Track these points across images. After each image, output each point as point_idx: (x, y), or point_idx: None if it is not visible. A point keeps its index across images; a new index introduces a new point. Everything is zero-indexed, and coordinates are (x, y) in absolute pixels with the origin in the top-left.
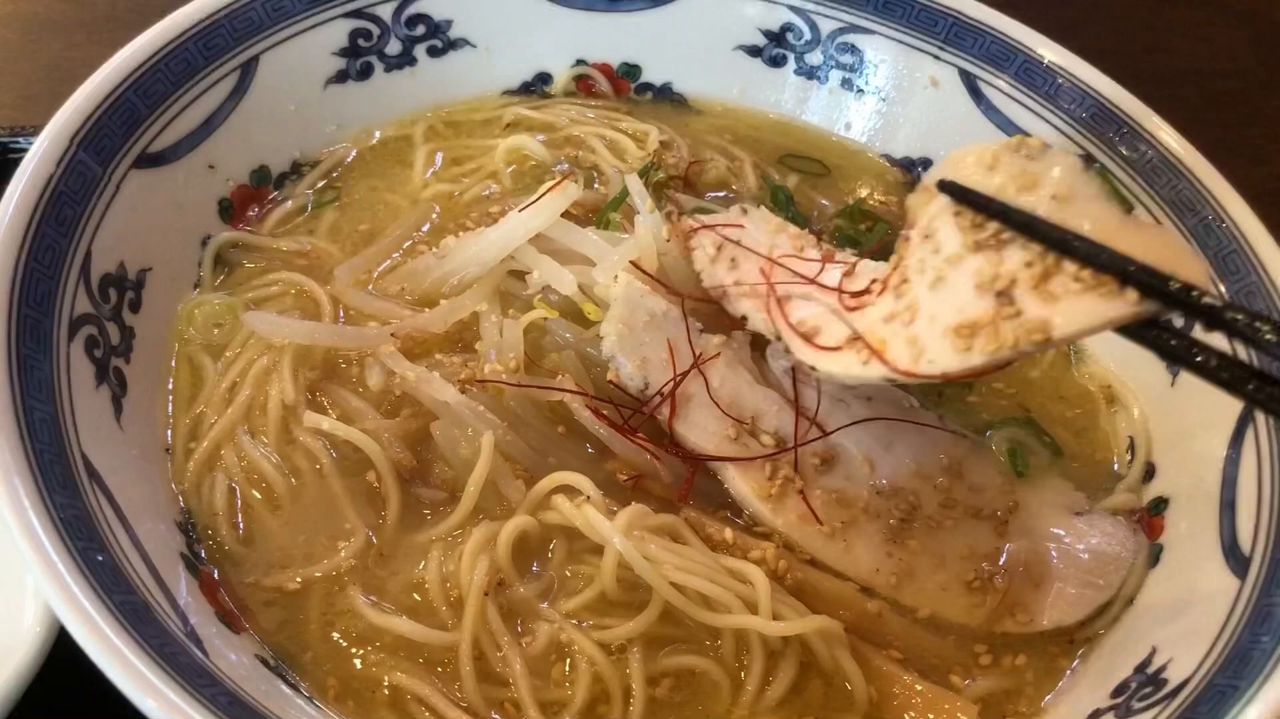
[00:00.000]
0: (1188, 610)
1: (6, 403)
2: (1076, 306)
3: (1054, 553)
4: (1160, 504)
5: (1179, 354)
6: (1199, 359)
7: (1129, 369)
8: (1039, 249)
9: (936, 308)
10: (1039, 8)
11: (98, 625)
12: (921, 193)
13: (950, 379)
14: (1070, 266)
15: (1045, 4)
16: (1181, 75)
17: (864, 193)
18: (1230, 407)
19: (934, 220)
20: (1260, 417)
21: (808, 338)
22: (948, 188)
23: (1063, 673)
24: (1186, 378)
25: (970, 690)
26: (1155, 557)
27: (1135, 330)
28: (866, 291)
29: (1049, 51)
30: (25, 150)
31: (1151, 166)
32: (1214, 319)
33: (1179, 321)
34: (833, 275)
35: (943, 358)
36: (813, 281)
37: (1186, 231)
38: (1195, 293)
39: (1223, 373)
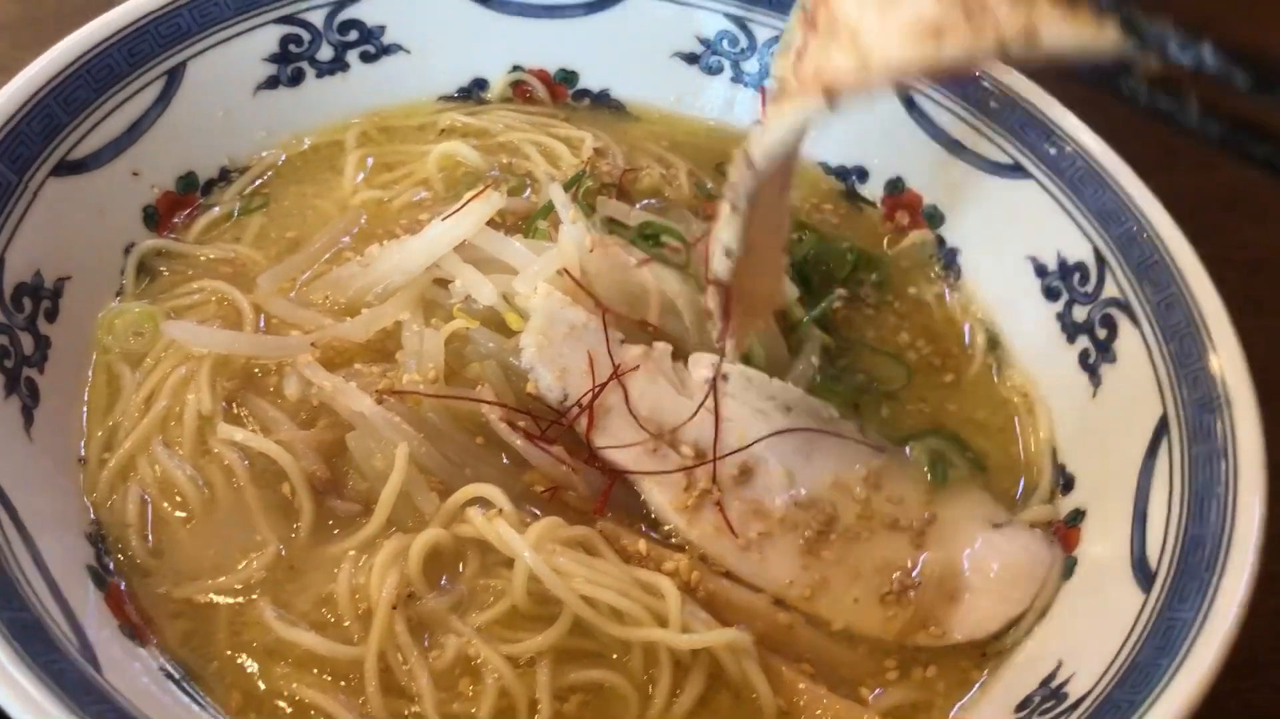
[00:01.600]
0: (1095, 624)
1: None
2: (1060, 27)
3: (969, 566)
4: (1077, 516)
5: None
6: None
7: (1050, 379)
8: None
9: (886, 19)
10: None
11: None
12: None
13: (909, 80)
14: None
15: None
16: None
17: (797, 201)
18: (1148, 418)
19: None
20: (1175, 430)
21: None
22: None
23: (972, 685)
24: (1108, 388)
25: (879, 702)
26: (1069, 569)
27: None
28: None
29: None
30: None
31: (1078, 176)
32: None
33: None
34: None
35: (902, 51)
36: None
37: (1111, 241)
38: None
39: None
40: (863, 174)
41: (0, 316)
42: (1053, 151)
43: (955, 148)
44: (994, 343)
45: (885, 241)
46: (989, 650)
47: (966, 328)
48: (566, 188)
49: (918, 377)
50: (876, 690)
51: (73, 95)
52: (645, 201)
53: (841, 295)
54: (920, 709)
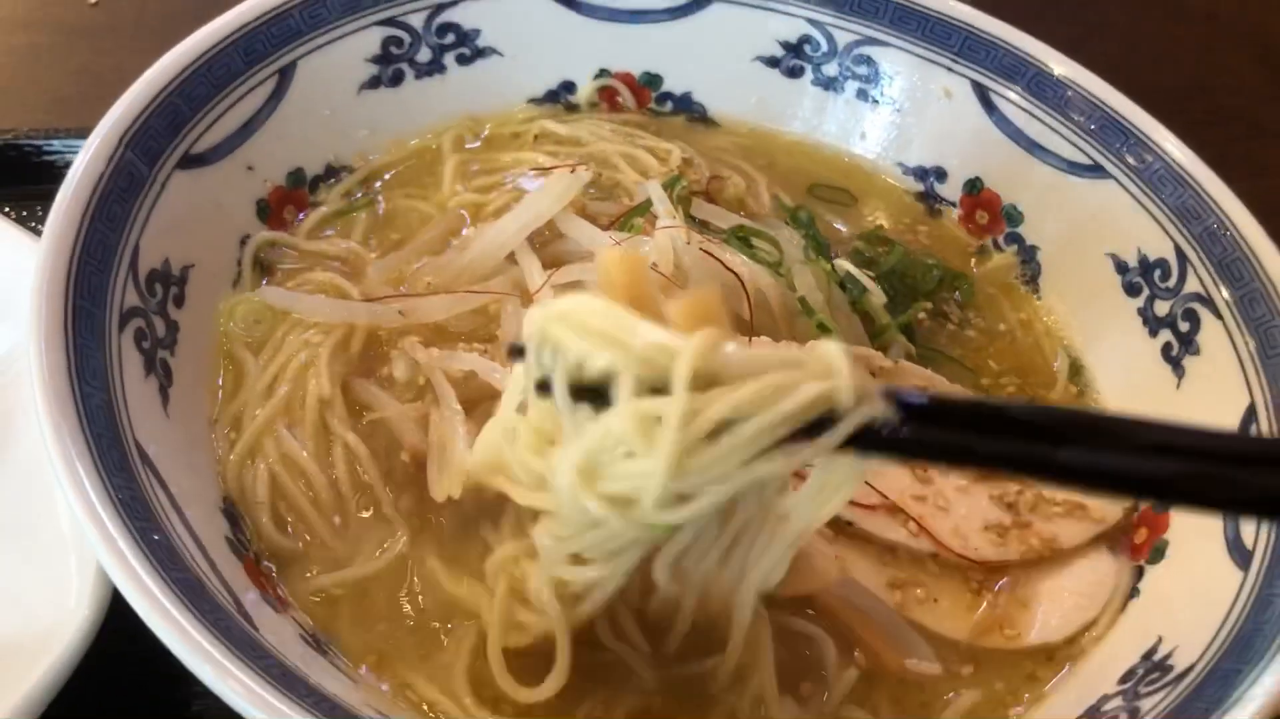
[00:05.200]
0: (1193, 602)
1: (66, 390)
2: (1069, 527)
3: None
4: None
5: None
6: None
7: (1134, 381)
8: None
9: (967, 507)
10: (1049, 22)
11: (159, 601)
12: None
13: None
14: (1045, 493)
15: (1055, 18)
16: (1186, 89)
17: (880, 217)
18: (1235, 407)
19: None
20: (1264, 416)
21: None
22: None
23: (1043, 684)
24: (1192, 379)
25: (956, 705)
26: (1160, 552)
27: None
28: None
29: (1059, 65)
30: (58, 153)
31: (1158, 176)
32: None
33: None
34: None
35: (986, 549)
36: None
37: (1192, 238)
38: None
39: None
40: (941, 174)
41: (137, 300)
42: (1132, 152)
43: (1034, 148)
44: (1077, 369)
45: (972, 263)
46: (1057, 655)
47: (1053, 352)
48: (664, 188)
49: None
50: (950, 694)
51: (195, 92)
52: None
53: (925, 308)
54: (993, 705)
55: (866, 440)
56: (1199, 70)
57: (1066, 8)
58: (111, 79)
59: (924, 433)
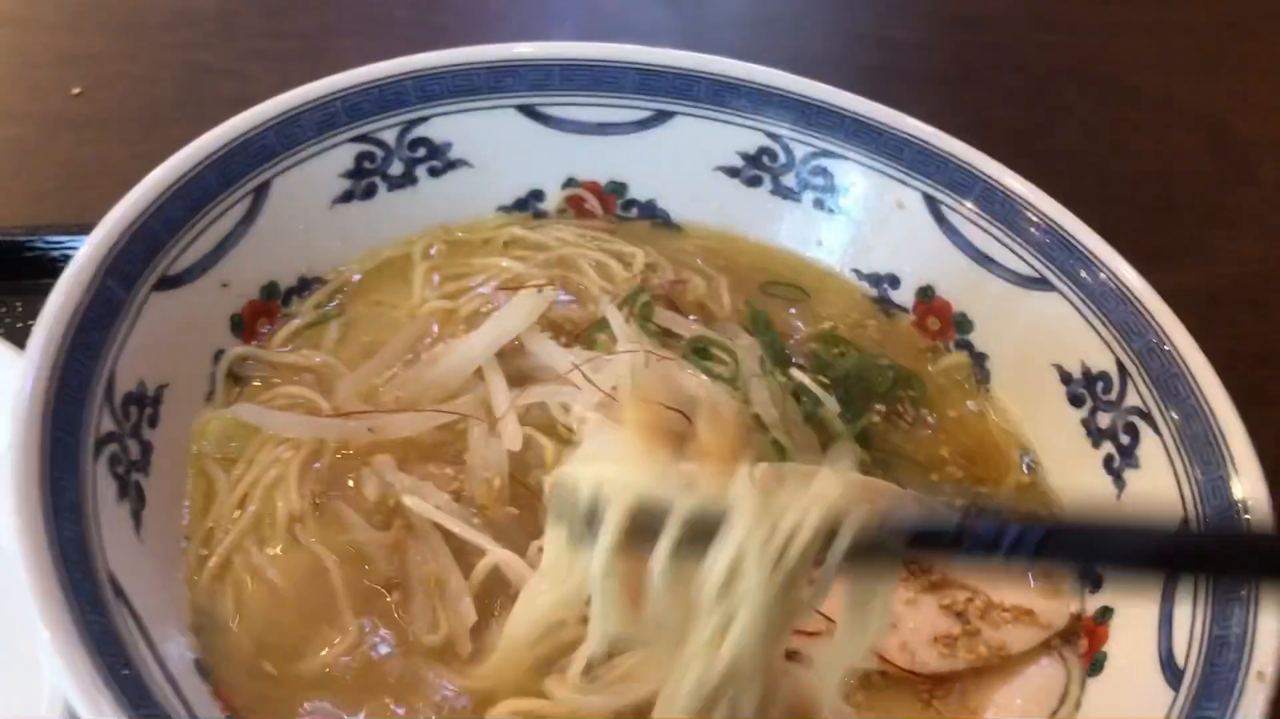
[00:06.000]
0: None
1: (40, 526)
2: (1018, 633)
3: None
4: (1106, 613)
5: None
6: None
7: (1076, 481)
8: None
9: (915, 621)
10: (1009, 107)
11: None
12: None
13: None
14: (994, 600)
15: (1016, 105)
16: (1141, 176)
17: (834, 314)
18: (1172, 517)
19: None
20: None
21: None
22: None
23: None
24: (1132, 491)
25: None
26: (1100, 664)
27: None
28: None
29: (1008, 179)
30: (41, 249)
31: (1101, 291)
32: None
33: None
34: None
35: (933, 662)
36: None
37: (1132, 353)
38: None
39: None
40: (895, 281)
41: (113, 425)
42: (1076, 266)
43: (983, 259)
44: (1033, 465)
45: (927, 359)
46: None
47: (1007, 443)
48: (620, 305)
49: (953, 491)
50: None
51: (172, 215)
52: (691, 317)
53: (879, 411)
54: None
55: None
56: (1154, 157)
57: (1025, 95)
58: (95, 170)
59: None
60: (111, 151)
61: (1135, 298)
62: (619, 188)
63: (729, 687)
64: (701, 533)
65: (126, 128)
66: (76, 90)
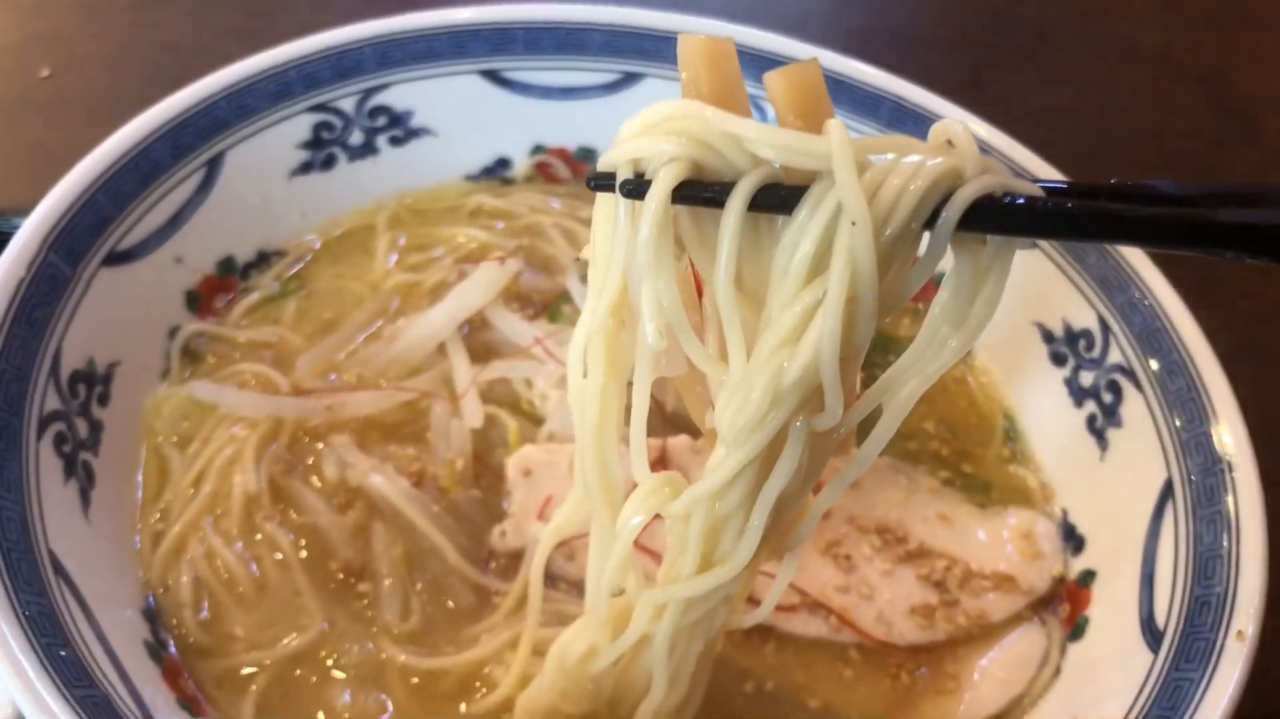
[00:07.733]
0: (1105, 682)
1: None
2: (998, 600)
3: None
4: (1088, 577)
5: None
6: None
7: (1060, 442)
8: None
9: (892, 592)
10: (1001, 69)
11: None
12: None
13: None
14: (973, 568)
15: (1010, 67)
16: (1138, 134)
17: None
18: (1153, 482)
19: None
20: (1180, 493)
21: None
22: None
23: None
24: (1115, 451)
25: None
26: (1081, 628)
27: None
28: None
29: (986, 134)
30: (5, 234)
31: (1081, 245)
32: None
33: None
34: None
35: (911, 633)
36: None
37: (1114, 308)
38: None
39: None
40: None
41: (58, 404)
42: None
43: None
44: (1013, 434)
45: (904, 326)
46: None
47: (989, 410)
48: (584, 277)
49: (932, 461)
50: None
51: (120, 189)
52: None
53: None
54: None
55: (1000, 214)
56: (1151, 115)
57: (1016, 54)
58: (62, 154)
59: (1065, 203)
60: (80, 134)
61: (1115, 250)
62: (589, 153)
63: (802, 403)
64: (778, 204)
65: (95, 110)
66: (45, 73)
